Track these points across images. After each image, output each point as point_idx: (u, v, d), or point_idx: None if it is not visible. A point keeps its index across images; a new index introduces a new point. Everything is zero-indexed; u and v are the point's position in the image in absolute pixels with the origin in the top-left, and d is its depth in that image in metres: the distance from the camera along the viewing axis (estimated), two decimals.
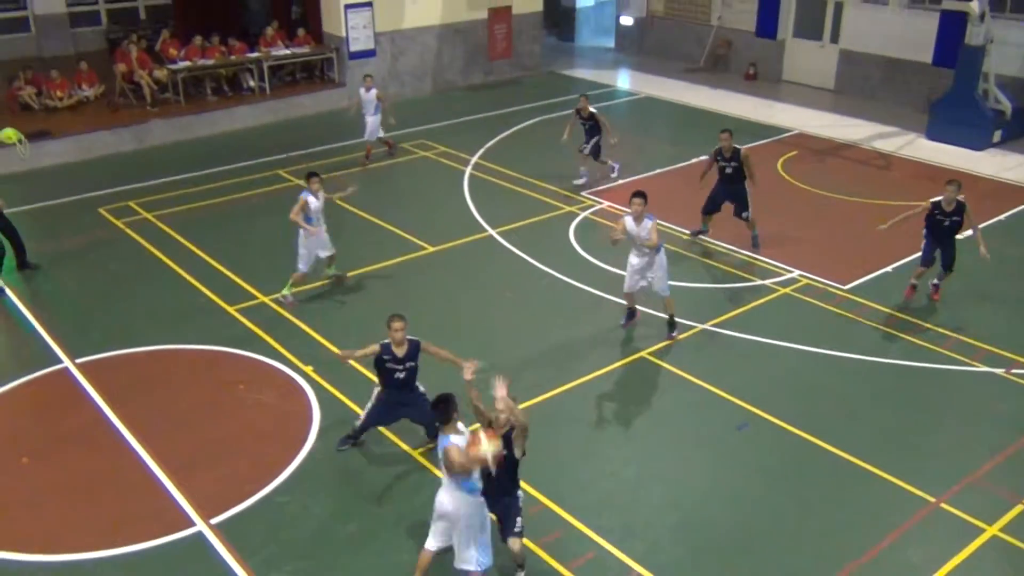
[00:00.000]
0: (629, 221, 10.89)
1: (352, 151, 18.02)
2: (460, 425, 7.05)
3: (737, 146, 13.26)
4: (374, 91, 16.99)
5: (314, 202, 11.80)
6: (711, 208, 13.77)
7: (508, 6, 23.48)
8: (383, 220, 14.77)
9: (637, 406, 10.09)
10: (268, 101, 20.27)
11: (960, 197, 11.69)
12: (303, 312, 11.86)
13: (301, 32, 21.34)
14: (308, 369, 10.56)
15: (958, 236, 12.00)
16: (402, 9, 21.58)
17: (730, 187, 13.36)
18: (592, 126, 15.82)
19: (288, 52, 20.92)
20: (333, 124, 19.96)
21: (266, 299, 12.22)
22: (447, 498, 7.08)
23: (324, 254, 12.24)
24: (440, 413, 6.97)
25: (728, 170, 13.26)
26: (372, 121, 17.11)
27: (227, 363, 10.78)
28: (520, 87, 23.27)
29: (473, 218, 14.90)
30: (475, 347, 11.09)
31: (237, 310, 11.94)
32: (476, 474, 6.97)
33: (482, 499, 7.14)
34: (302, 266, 12.00)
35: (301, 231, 11.81)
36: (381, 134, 17.34)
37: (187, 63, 19.72)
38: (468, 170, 17.10)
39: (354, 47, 21.06)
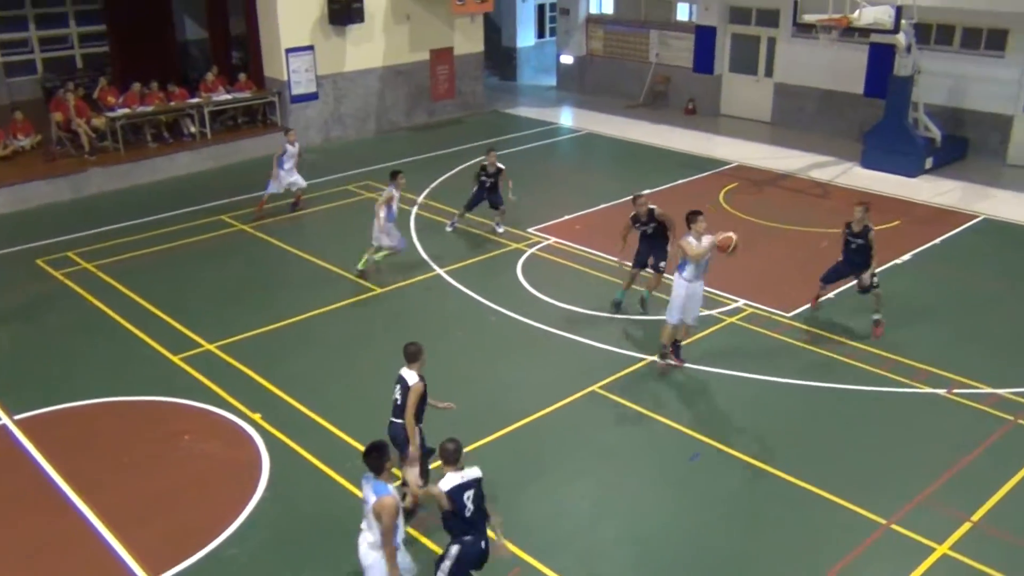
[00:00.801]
0: (705, 241, 10.81)
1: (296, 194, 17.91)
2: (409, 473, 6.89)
3: (652, 207, 12.75)
4: (297, 145, 16.85)
5: (398, 196, 13.64)
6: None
7: (449, 47, 23.69)
8: (329, 263, 14.67)
9: (590, 441, 10.07)
10: (210, 146, 20.10)
11: (868, 222, 11.91)
12: (249, 358, 11.68)
13: (242, 77, 21.26)
14: (256, 416, 10.37)
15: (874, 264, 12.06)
16: (343, 52, 21.64)
17: (652, 242, 12.89)
18: (493, 184, 15.53)
19: (229, 97, 20.80)
20: None
21: (211, 346, 12.02)
22: (368, 549, 6.78)
23: (387, 243, 13.80)
24: (372, 462, 6.73)
25: (648, 231, 12.86)
26: (286, 173, 16.62)
27: (172, 414, 10.55)
28: (464, 127, 23.42)
29: (420, 258, 14.87)
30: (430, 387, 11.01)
31: (181, 359, 11.72)
32: (401, 532, 6.83)
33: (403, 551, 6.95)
34: (400, 244, 13.98)
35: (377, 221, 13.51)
36: (301, 182, 16.92)
37: (126, 110, 19.50)
38: (414, 210, 17.09)
39: (296, 91, 21.03)
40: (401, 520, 6.80)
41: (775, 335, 12.19)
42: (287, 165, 16.56)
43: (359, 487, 7.10)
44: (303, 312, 12.94)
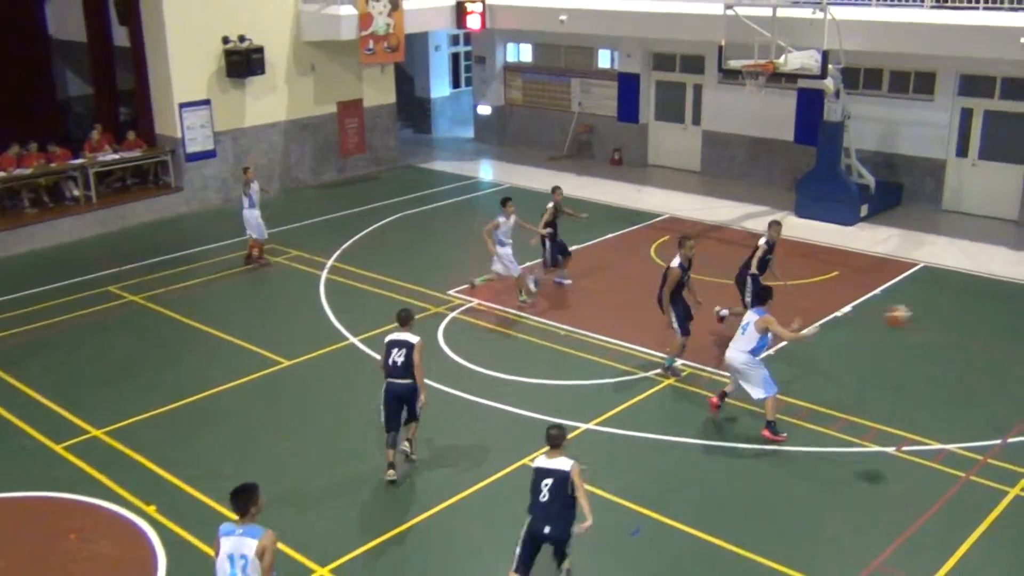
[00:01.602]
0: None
1: (196, 259, 17.66)
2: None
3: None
4: (256, 183, 17.15)
5: (505, 223, 14.83)
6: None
7: (359, 99, 23.82)
8: (231, 335, 14.41)
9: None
10: (96, 211, 19.71)
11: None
12: (142, 443, 11.33)
13: (131, 135, 20.99)
14: (150, 509, 10.03)
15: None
16: (243, 106, 21.57)
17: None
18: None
19: (116, 157, 20.49)
20: (172, 232, 19.55)
21: (98, 432, 11.63)
22: None
23: (495, 268, 15.08)
24: (240, 502, 7.07)
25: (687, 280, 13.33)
26: (253, 215, 17.05)
27: (55, 510, 10.12)
28: (376, 183, 23.46)
29: (332, 326, 14.72)
30: (343, 468, 10.82)
31: (65, 448, 11.30)
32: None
33: None
34: (515, 270, 15.08)
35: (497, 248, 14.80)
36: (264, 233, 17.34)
37: (1, 174, 19.02)
38: (324, 274, 16.96)
39: (191, 148, 20.83)
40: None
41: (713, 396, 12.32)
42: (246, 206, 17.05)
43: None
44: (201, 390, 12.65)
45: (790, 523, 9.79)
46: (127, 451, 11.20)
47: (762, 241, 13.78)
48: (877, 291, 15.75)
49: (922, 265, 16.99)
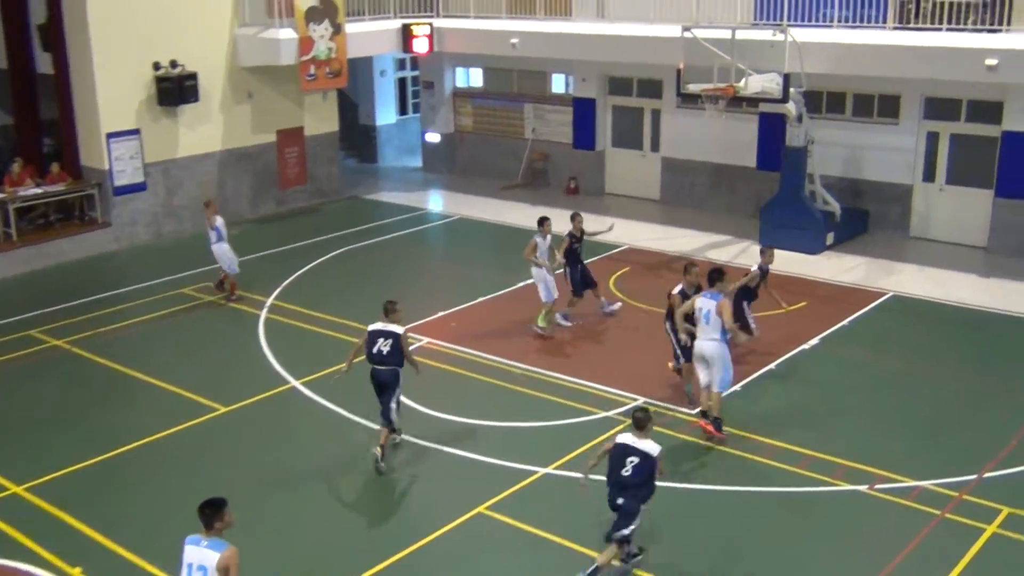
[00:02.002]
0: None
1: (126, 300, 17.46)
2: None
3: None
4: (219, 217, 17.32)
5: (542, 243, 15.34)
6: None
7: (299, 127, 23.81)
8: (164, 380, 14.23)
9: (478, 571, 9.91)
10: (16, 249, 19.43)
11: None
12: (67, 500, 11.10)
13: (55, 168, 20.76)
14: (76, 572, 9.82)
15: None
16: (176, 136, 21.46)
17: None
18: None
19: (39, 191, 20.24)
20: (100, 271, 19.32)
21: (18, 488, 11.38)
22: None
23: (542, 295, 15.56)
24: (207, 515, 7.43)
25: None
26: (223, 248, 17.17)
27: None
28: (319, 216, 23.40)
29: (272, 369, 14.61)
30: (281, 522, 10.69)
31: None
32: None
33: None
34: (547, 296, 15.45)
35: (535, 268, 15.41)
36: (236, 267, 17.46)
37: None
38: (263, 314, 16.84)
39: (119, 181, 20.65)
40: None
41: (680, 435, 12.39)
42: (213, 241, 17.22)
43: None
44: (131, 441, 12.45)
45: (760, 567, 9.83)
46: (51, 509, 10.97)
47: (754, 267, 14.26)
48: (845, 322, 15.98)
49: (891, 294, 17.29)
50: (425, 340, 15.50)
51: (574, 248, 15.82)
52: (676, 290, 12.99)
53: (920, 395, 13.55)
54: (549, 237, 15.52)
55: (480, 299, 17.41)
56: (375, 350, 11.61)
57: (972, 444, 12.11)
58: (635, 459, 9.06)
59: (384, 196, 25.12)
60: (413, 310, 16.58)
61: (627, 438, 9.25)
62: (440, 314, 16.61)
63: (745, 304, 14.27)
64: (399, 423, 12.04)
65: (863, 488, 11.13)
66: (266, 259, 19.84)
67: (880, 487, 11.14)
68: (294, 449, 12.31)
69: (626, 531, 9.20)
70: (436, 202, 24.88)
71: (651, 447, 9.12)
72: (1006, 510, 10.54)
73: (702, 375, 12.16)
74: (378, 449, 11.53)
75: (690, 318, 12.32)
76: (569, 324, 16.06)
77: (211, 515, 7.42)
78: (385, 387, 11.68)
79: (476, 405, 13.36)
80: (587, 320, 16.13)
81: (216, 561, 7.23)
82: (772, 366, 14.35)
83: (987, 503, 10.74)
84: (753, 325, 14.41)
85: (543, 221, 15.56)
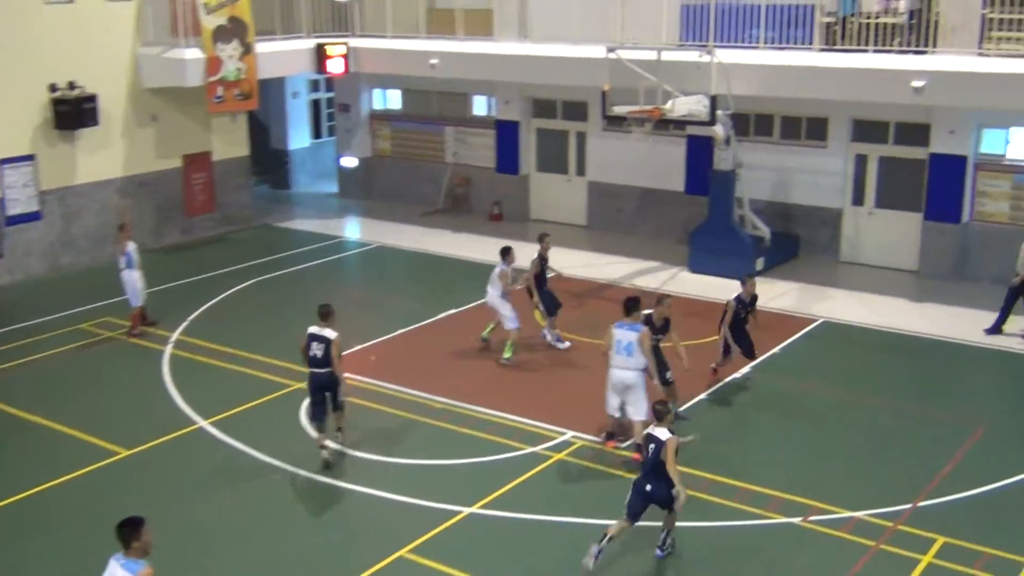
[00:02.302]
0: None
1: (18, 337, 17.05)
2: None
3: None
4: (131, 243, 17.15)
5: (512, 273, 15.78)
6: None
7: (207, 152, 23.55)
8: (59, 422, 13.87)
9: None
10: None
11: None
12: None
13: None
14: None
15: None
16: (73, 161, 21.04)
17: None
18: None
19: None
20: None
21: None
22: None
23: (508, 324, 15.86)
24: (124, 534, 7.70)
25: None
26: (132, 276, 16.99)
27: None
28: (228, 245, 23.13)
29: (177, 408, 14.35)
30: (191, 572, 10.45)
31: None
32: None
33: None
34: (514, 325, 15.78)
35: (499, 299, 15.77)
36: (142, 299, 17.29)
37: None
38: (168, 349, 16.55)
39: (12, 210, 20.16)
40: None
41: (610, 470, 12.44)
42: (123, 267, 17.09)
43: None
44: (23, 490, 12.11)
45: None
46: None
47: (731, 299, 14.43)
48: (776, 349, 16.24)
49: (822, 320, 17.63)
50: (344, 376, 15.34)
51: (543, 270, 16.26)
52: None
53: (853, 423, 13.81)
54: (512, 267, 15.87)
55: (400, 331, 17.33)
56: (311, 354, 12.49)
57: (906, 472, 12.37)
58: (652, 445, 10.21)
59: (298, 224, 24.92)
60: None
61: (651, 428, 10.49)
62: (358, 347, 16.48)
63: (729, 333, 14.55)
64: (334, 425, 12.83)
65: (797, 520, 11.28)
66: (171, 292, 19.49)
67: (814, 519, 11.30)
68: (201, 495, 12.07)
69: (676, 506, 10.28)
70: (353, 230, 24.75)
71: (662, 433, 10.22)
72: (941, 539, 10.77)
73: (614, 402, 12.63)
74: (336, 436, 12.79)
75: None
76: (566, 345, 16.35)
77: (128, 534, 7.66)
78: (321, 390, 12.55)
79: (396, 442, 13.27)
80: (515, 350, 16.15)
81: None
82: (703, 396, 14.51)
83: (922, 533, 10.96)
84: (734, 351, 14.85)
85: (508, 251, 15.91)
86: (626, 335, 12.36)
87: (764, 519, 11.32)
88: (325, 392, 12.54)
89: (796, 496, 11.73)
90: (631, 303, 12.64)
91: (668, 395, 13.15)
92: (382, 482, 12.21)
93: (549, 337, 16.44)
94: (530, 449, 13.00)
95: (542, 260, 16.27)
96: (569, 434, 13.32)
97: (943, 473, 12.27)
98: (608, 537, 10.18)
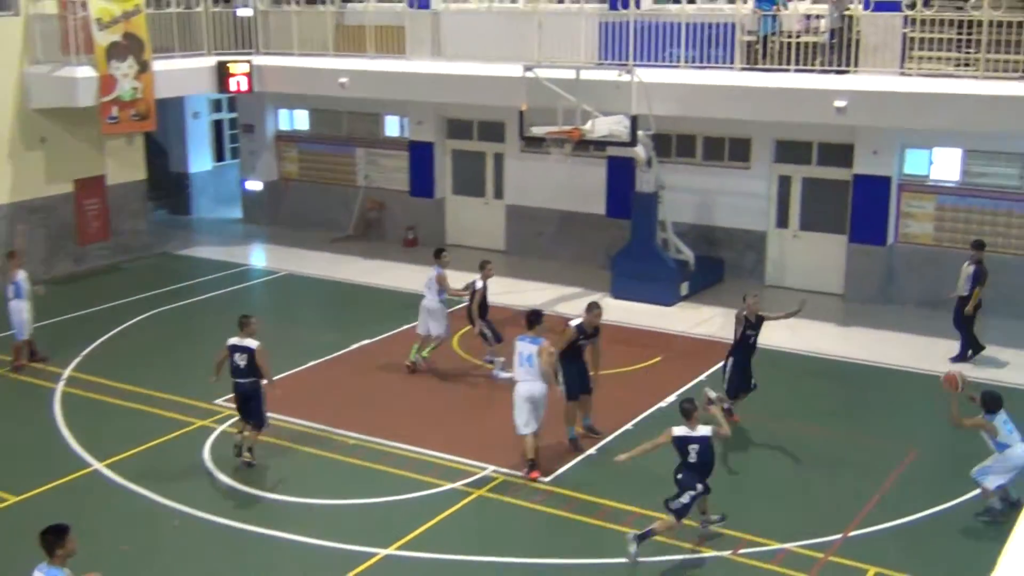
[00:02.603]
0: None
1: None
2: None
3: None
4: (21, 272, 16.90)
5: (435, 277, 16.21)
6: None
7: (101, 176, 23.16)
8: None
9: None
10: None
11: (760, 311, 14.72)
12: None
13: None
14: None
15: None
16: None
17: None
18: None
19: None
20: None
21: None
22: None
23: (435, 331, 16.48)
24: (48, 541, 8.33)
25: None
26: (19, 307, 16.75)
27: None
28: (124, 275, 22.75)
29: (70, 450, 14.06)
30: None
31: None
32: None
33: None
34: (443, 332, 16.43)
35: (435, 304, 16.34)
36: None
37: None
38: (59, 387, 16.20)
39: None
40: None
41: (533, 506, 12.45)
42: (10, 297, 17.05)
43: None
44: None
45: None
46: None
47: (573, 326, 14.08)
48: (703, 376, 16.43)
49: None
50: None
51: (485, 297, 16.53)
52: (574, 323, 13.85)
53: (781, 452, 14.02)
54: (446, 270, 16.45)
55: (310, 363, 17.17)
56: (234, 364, 13.26)
57: (836, 501, 12.60)
58: (696, 446, 10.94)
59: (199, 251, 24.60)
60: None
61: (681, 431, 11.08)
62: (263, 381, 16.25)
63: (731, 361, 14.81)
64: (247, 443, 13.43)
65: (726, 554, 11.41)
66: (62, 325, 19.06)
67: (744, 551, 11.44)
68: (97, 543, 11.75)
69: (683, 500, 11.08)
70: (259, 257, 24.50)
71: (703, 430, 11.06)
72: (872, 569, 10.98)
73: (524, 416, 12.96)
74: (248, 453, 13.35)
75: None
76: (508, 375, 15.43)
77: (52, 542, 8.16)
78: (247, 399, 13.36)
79: (306, 482, 13.12)
80: (429, 381, 16.10)
81: None
82: (629, 426, 14.61)
83: (853, 563, 11.17)
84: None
85: (442, 252, 16.79)
86: (527, 347, 12.92)
87: (693, 553, 11.42)
88: (248, 400, 13.36)
89: (726, 529, 11.85)
90: (533, 316, 13.31)
91: (576, 408, 13.80)
92: (292, 525, 12.04)
93: (497, 367, 16.40)
94: (449, 486, 12.95)
95: (485, 288, 16.47)
96: (490, 469, 13.30)
97: (874, 500, 12.53)
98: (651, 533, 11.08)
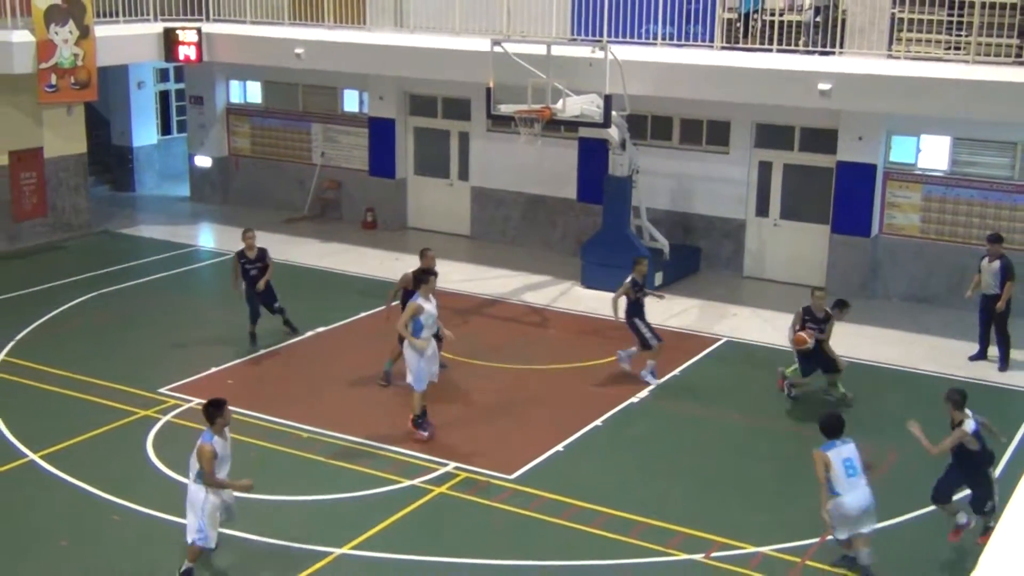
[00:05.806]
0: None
1: None
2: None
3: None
4: None
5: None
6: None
7: (38, 148, 22.98)
8: None
9: None
10: None
11: (828, 308, 15.30)
12: None
13: None
14: None
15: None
16: None
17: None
18: (258, 276, 17.25)
19: None
20: None
21: None
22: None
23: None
24: (208, 415, 10.21)
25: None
26: None
27: None
28: (62, 254, 22.62)
29: (3, 439, 13.98)
30: None
31: None
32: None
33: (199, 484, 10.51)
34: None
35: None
36: None
37: None
38: None
39: None
40: None
41: (496, 504, 12.51)
42: None
43: None
44: None
45: None
46: None
47: (627, 280, 15.49)
48: (676, 371, 16.57)
49: (724, 339, 18.06)
50: (195, 401, 15.06)
51: (247, 268, 17.28)
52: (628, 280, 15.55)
53: (758, 451, 14.17)
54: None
55: (261, 351, 17.14)
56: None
57: (814, 503, 12.67)
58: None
59: (143, 230, 24.49)
60: (181, 366, 16.22)
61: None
62: (213, 370, 16.27)
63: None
64: None
65: (699, 557, 11.51)
66: None
67: (718, 555, 11.55)
68: (32, 539, 11.73)
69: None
70: (207, 238, 24.40)
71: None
72: (850, 575, 11.12)
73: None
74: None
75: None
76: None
77: (212, 413, 9.51)
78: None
79: (257, 477, 13.03)
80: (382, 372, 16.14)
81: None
82: (597, 423, 14.70)
83: (830, 568, 11.31)
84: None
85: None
86: (433, 308, 14.01)
87: (665, 556, 11.52)
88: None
89: (698, 531, 11.97)
90: (421, 275, 14.24)
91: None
92: (240, 522, 12.00)
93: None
94: (408, 483, 12.98)
95: (241, 255, 17.26)
96: (451, 465, 13.34)
97: None
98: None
